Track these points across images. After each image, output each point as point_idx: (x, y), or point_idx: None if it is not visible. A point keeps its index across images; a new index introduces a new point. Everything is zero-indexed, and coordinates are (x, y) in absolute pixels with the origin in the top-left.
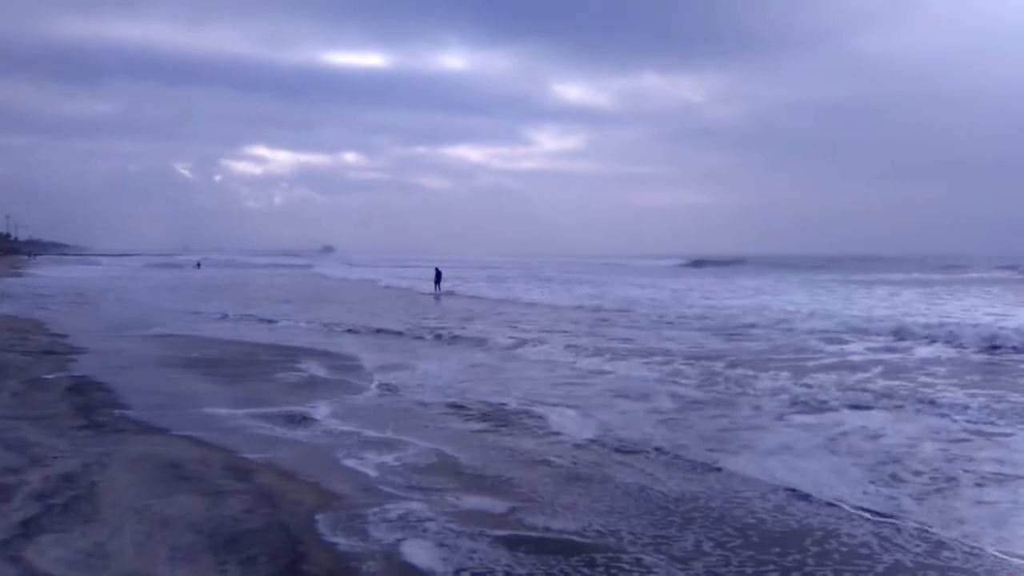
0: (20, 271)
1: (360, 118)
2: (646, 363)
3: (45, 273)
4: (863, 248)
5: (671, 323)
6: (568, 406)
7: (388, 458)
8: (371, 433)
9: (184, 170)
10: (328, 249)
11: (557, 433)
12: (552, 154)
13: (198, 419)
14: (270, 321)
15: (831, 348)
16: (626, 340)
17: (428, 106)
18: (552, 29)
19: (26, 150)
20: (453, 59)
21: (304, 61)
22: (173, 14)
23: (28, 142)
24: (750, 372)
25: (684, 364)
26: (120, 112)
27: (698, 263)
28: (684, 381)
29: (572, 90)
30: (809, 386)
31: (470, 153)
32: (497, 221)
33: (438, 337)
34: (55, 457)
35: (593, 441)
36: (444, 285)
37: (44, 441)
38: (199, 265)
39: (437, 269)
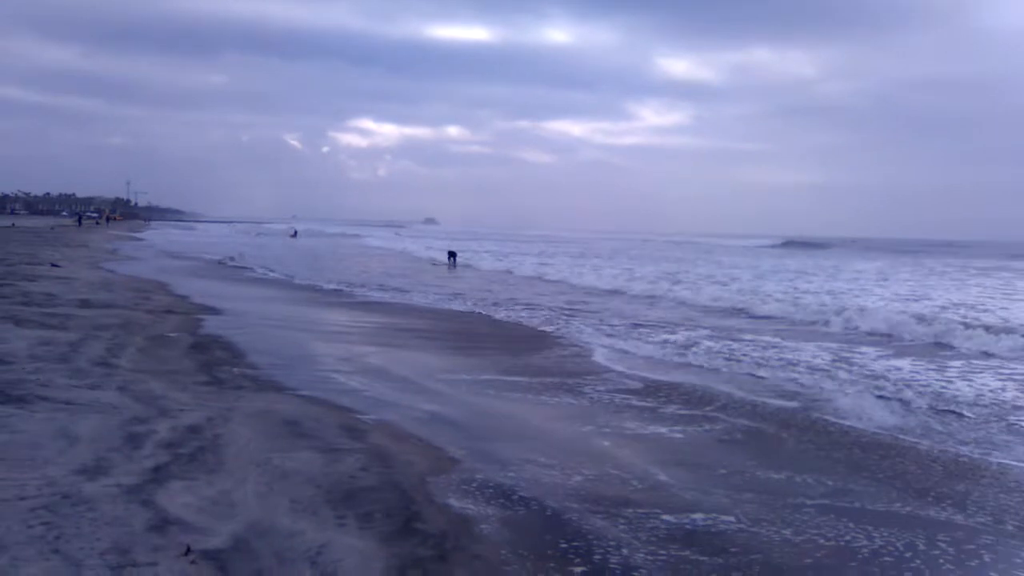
0: (138, 234)
1: (463, 92)
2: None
3: (152, 238)
4: (971, 233)
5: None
6: None
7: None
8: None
9: (293, 141)
10: (431, 221)
11: None
12: (655, 129)
13: (312, 378)
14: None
15: None
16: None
17: (531, 80)
18: (658, 1)
19: (145, 121)
20: (557, 32)
21: (411, 35)
22: None
23: (147, 113)
24: None
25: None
26: (233, 84)
27: (789, 244)
28: None
29: (677, 64)
30: None
31: (572, 127)
32: (597, 196)
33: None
34: (180, 410)
35: None
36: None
37: (169, 394)
38: (295, 234)
39: (451, 251)
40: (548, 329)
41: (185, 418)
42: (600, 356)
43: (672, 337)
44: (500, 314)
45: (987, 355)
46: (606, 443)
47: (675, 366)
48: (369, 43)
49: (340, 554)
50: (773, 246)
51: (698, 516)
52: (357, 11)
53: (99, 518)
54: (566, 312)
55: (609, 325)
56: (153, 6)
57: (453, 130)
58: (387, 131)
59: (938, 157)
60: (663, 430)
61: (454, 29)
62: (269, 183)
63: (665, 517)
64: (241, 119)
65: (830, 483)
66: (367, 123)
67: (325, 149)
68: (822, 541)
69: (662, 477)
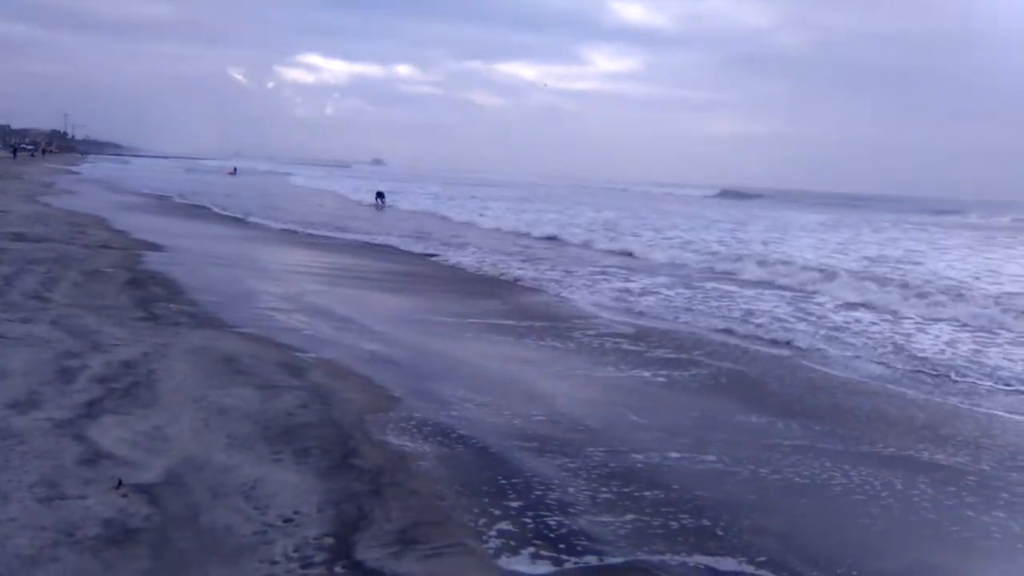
0: (75, 167)
1: (414, 29)
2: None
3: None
4: (914, 189)
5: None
6: None
7: None
8: None
9: (238, 75)
10: (378, 162)
11: None
12: (607, 75)
13: (252, 316)
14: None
15: None
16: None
17: (483, 20)
18: None
19: (83, 49)
20: None
21: None
22: None
23: (84, 40)
24: None
25: None
26: (177, 14)
27: (725, 193)
28: None
29: (631, 8)
30: None
31: (524, 70)
32: (547, 142)
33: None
34: (115, 345)
35: None
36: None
37: (104, 329)
38: (235, 171)
39: (379, 192)
40: (492, 273)
41: (120, 353)
42: (549, 297)
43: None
44: (417, 247)
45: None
46: (551, 383)
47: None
48: None
49: (275, 488)
50: (708, 196)
51: (639, 456)
52: None
53: (29, 451)
54: (505, 255)
55: (540, 268)
56: None
57: (403, 69)
58: (335, 67)
59: (884, 112)
60: (611, 370)
61: None
62: (213, 119)
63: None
64: (184, 51)
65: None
66: (315, 59)
67: (271, 84)
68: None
69: (602, 418)
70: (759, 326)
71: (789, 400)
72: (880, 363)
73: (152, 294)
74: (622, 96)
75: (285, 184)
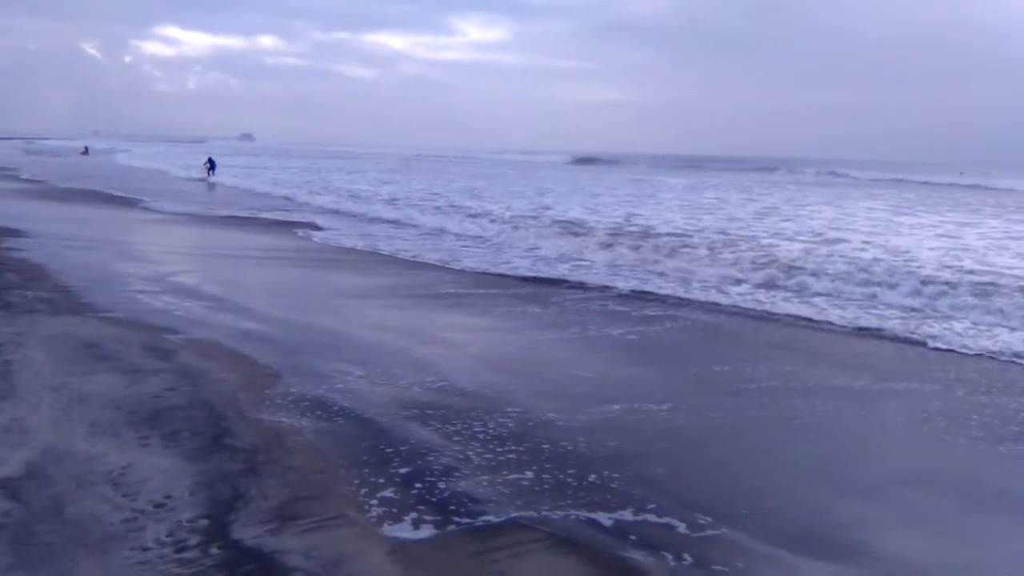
0: None
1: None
2: None
3: None
4: (766, 151)
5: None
6: None
7: None
8: None
9: (91, 50)
10: (247, 137)
11: None
12: (476, 45)
13: (115, 300)
14: None
15: None
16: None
17: None
18: None
19: None
20: None
21: None
22: None
23: None
24: None
25: None
26: None
27: (583, 160)
28: None
29: None
30: None
31: (392, 40)
32: (417, 112)
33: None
34: None
35: None
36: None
37: None
38: (87, 151)
39: (210, 158)
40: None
41: None
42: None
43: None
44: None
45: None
46: (429, 351)
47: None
48: None
49: (144, 474)
50: (564, 163)
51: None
52: None
53: None
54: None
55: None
56: None
57: (267, 40)
58: (196, 40)
59: (739, 77)
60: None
61: None
62: (66, 96)
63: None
64: (28, 24)
65: None
66: (173, 31)
67: (128, 59)
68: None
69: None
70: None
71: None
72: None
73: (6, 281)
74: (492, 65)
75: (112, 164)
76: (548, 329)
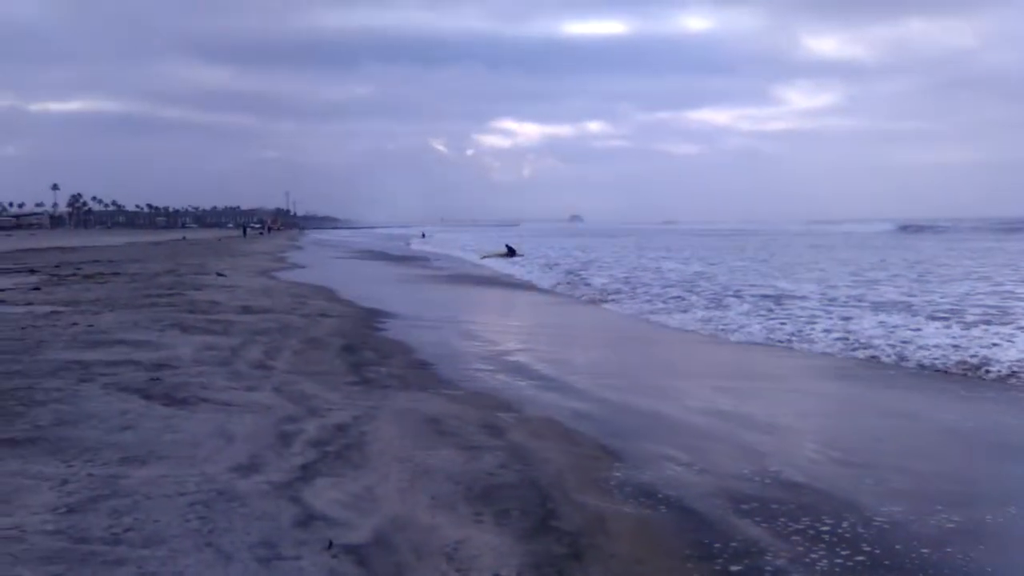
0: (297, 243)
1: (602, 86)
2: None
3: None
4: None
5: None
6: None
7: None
8: None
9: (438, 145)
10: (576, 218)
11: None
12: (804, 112)
13: (456, 377)
14: None
15: None
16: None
17: (670, 70)
18: None
19: (295, 134)
20: (695, 20)
21: (544, 33)
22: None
23: (296, 127)
24: None
25: None
26: (376, 94)
27: (906, 228)
28: None
29: (826, 42)
30: None
31: (715, 116)
32: (743, 186)
33: None
34: (329, 409)
35: None
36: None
37: (320, 394)
38: (424, 235)
39: (507, 244)
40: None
41: (333, 417)
42: None
43: None
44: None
45: None
46: (764, 439)
47: None
48: (505, 44)
49: (477, 550)
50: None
51: None
52: (488, 15)
53: (250, 513)
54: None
55: None
56: (293, 25)
57: (594, 125)
58: (528, 130)
59: None
60: None
61: (588, 24)
62: (418, 188)
63: None
64: (387, 127)
65: None
66: (509, 123)
67: (470, 152)
68: None
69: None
70: None
71: None
72: None
73: (365, 358)
74: (822, 132)
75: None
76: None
